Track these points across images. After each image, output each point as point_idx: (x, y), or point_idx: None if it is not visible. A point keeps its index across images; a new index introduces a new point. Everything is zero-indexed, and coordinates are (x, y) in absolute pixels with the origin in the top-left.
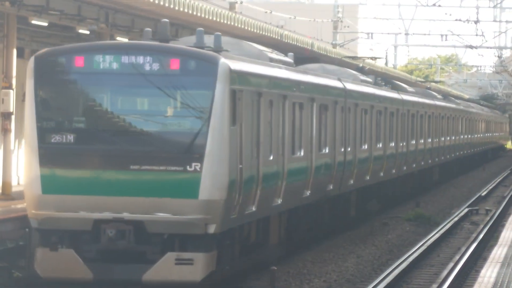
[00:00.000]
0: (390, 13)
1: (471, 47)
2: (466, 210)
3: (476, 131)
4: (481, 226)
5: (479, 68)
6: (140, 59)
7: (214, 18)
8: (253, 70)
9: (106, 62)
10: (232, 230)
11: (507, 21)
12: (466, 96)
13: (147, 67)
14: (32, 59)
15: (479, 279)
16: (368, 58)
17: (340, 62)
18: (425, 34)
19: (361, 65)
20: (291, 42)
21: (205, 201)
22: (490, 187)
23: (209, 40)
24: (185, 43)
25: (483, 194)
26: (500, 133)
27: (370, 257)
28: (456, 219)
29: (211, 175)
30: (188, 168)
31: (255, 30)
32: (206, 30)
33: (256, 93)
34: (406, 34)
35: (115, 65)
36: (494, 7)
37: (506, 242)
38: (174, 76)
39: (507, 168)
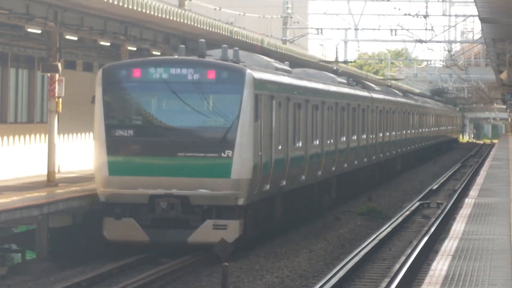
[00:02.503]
0: (340, 8)
1: (420, 41)
2: (418, 203)
3: (432, 125)
4: (433, 219)
5: (429, 63)
6: (184, 71)
7: (163, 15)
8: (268, 78)
9: (158, 73)
10: (252, 204)
11: (456, 15)
12: (417, 91)
13: (190, 77)
14: (100, 71)
15: (431, 272)
16: (340, 62)
17: (316, 65)
18: (374, 29)
19: (335, 67)
20: (241, 38)
21: (235, 180)
22: (441, 181)
23: (217, 52)
24: (212, 56)
25: (434, 187)
26: (453, 127)
27: (322, 252)
28: (407, 213)
29: (240, 160)
30: (222, 154)
31: (204, 27)
32: (155, 27)
33: (270, 96)
34: (356, 29)
35: (165, 76)
36: (443, 1)
37: (457, 235)
38: (211, 84)
39: (458, 162)
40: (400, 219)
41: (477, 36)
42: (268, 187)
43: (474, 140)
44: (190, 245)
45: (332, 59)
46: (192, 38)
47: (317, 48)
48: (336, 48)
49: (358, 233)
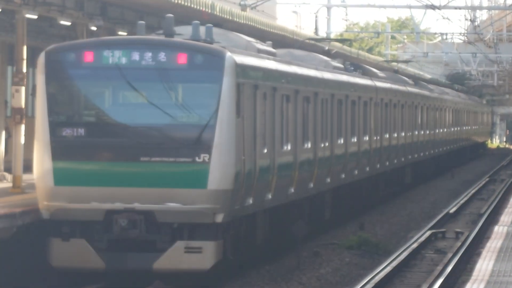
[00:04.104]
0: None
1: (432, 7)
2: (429, 233)
3: (452, 125)
4: (449, 255)
5: (444, 37)
6: (148, 54)
7: None
8: (251, 63)
9: (115, 57)
10: (233, 221)
11: None
12: (428, 76)
13: (155, 62)
14: (42, 54)
15: None
16: (335, 40)
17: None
18: None
19: (327, 48)
20: (183, 3)
21: (213, 191)
22: (461, 201)
23: (185, 30)
24: (182, 35)
25: (452, 211)
26: (480, 127)
27: None
28: (414, 245)
29: (219, 166)
30: (197, 159)
31: None
32: None
33: (254, 85)
34: None
35: (123, 60)
36: None
37: (483, 276)
38: (182, 70)
39: (484, 175)
40: (404, 254)
41: (511, 0)
42: (251, 201)
43: (507, 145)
44: (156, 272)
45: (310, 31)
46: (115, 2)
47: (290, 16)
48: (316, 16)
49: (346, 274)
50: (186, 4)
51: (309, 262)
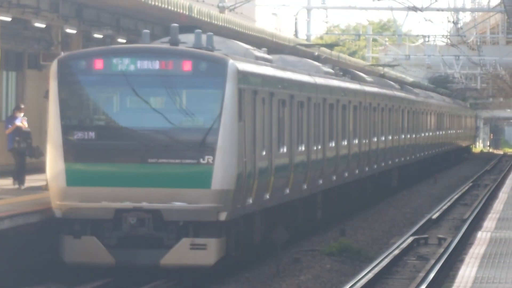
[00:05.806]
0: None
1: (415, 9)
2: (411, 239)
3: (437, 128)
4: (432, 261)
5: (427, 39)
6: (155, 62)
7: None
8: (251, 70)
9: (123, 64)
10: (235, 220)
11: None
12: (410, 79)
13: (162, 69)
14: (55, 62)
15: None
16: (323, 45)
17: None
18: None
19: (316, 53)
20: (160, 5)
21: (217, 190)
22: (444, 207)
23: (188, 38)
24: (186, 44)
25: (435, 216)
26: (465, 131)
27: None
28: (396, 252)
29: (223, 167)
30: (201, 160)
31: None
32: None
33: (254, 91)
34: None
35: (132, 67)
36: None
37: (466, 283)
38: (187, 76)
39: (468, 179)
40: (386, 261)
41: (494, 2)
42: (251, 201)
43: (491, 149)
44: (163, 268)
45: (290, 33)
46: (91, 4)
47: (269, 19)
48: (296, 19)
49: (327, 281)
50: (163, 6)
51: (289, 269)
